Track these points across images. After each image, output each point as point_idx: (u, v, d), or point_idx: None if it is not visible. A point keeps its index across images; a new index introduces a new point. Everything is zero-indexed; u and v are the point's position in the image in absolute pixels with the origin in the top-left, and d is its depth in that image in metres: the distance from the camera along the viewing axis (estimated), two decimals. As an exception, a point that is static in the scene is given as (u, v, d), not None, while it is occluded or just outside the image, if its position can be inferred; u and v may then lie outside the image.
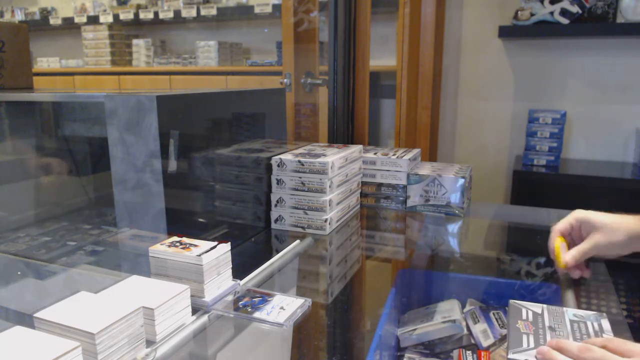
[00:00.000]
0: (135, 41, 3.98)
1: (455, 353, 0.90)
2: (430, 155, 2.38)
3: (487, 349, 0.90)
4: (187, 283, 0.72)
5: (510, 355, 0.64)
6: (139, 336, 0.61)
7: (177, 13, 3.69)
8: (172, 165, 0.90)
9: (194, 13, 3.61)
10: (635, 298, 2.12)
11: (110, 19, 3.99)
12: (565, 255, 0.84)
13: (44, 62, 4.36)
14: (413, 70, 2.09)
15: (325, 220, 1.16)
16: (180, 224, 0.94)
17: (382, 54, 2.72)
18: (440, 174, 1.33)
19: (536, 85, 2.40)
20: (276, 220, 1.21)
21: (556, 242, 0.88)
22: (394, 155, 1.39)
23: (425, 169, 1.39)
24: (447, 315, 0.95)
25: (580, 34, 2.23)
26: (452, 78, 2.56)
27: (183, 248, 0.75)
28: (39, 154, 1.33)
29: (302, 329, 0.76)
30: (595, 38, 2.27)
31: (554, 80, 2.37)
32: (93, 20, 4.07)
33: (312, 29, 1.93)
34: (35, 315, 0.58)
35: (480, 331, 0.94)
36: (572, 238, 0.90)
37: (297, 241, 1.12)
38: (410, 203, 1.36)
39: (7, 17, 4.52)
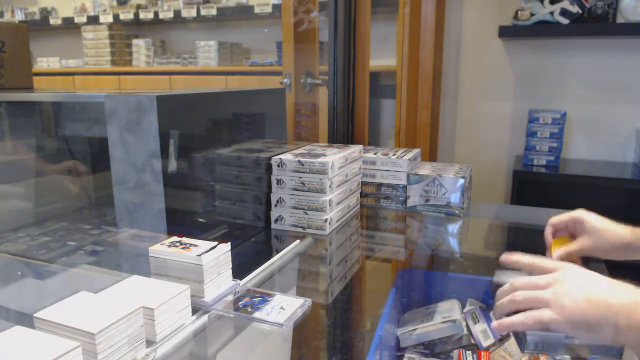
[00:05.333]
0: (135, 41, 3.97)
1: (455, 353, 0.90)
2: (430, 155, 2.38)
3: (487, 349, 0.91)
4: (187, 283, 0.72)
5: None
6: (139, 336, 0.61)
7: (177, 13, 3.68)
8: (172, 165, 0.90)
9: (194, 13, 3.61)
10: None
11: (110, 19, 3.99)
12: (553, 254, 0.89)
13: (44, 62, 4.36)
14: (413, 70, 2.09)
15: (325, 220, 1.16)
16: (180, 224, 0.94)
17: (382, 54, 2.71)
18: (440, 174, 1.33)
19: (536, 85, 2.40)
20: (276, 220, 1.21)
21: (552, 246, 0.91)
22: (394, 155, 1.39)
23: (425, 169, 1.39)
24: (447, 315, 0.95)
25: (580, 34, 2.23)
26: (452, 78, 2.56)
27: (183, 248, 0.75)
28: (40, 154, 1.33)
29: (302, 329, 0.76)
30: (595, 38, 2.27)
31: (554, 80, 2.37)
32: (93, 20, 4.07)
33: (312, 29, 1.93)
34: (35, 315, 0.58)
35: (480, 331, 0.94)
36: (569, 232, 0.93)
37: (297, 241, 1.12)
38: (410, 203, 1.36)
39: (7, 17, 4.52)
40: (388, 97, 2.89)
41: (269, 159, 1.20)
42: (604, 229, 0.84)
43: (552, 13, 2.13)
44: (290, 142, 1.41)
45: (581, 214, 0.88)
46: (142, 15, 3.85)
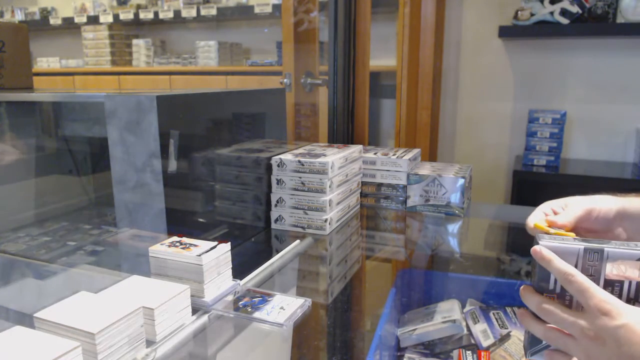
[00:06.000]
0: (135, 41, 3.97)
1: (455, 353, 0.90)
2: (430, 155, 2.38)
3: (487, 349, 0.91)
4: (187, 283, 0.72)
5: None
6: (139, 336, 0.61)
7: (177, 13, 3.68)
8: (172, 165, 0.90)
9: (194, 13, 3.61)
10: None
11: (110, 19, 3.99)
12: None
13: (44, 62, 4.36)
14: (413, 70, 2.09)
15: (325, 220, 1.16)
16: (180, 224, 0.94)
17: (382, 54, 2.71)
18: (440, 174, 1.33)
19: (536, 85, 2.40)
20: (276, 220, 1.21)
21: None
22: (394, 155, 1.39)
23: (425, 169, 1.39)
24: (447, 315, 0.95)
25: (580, 34, 2.23)
26: (452, 78, 2.55)
27: (183, 248, 0.75)
28: (39, 154, 1.33)
29: (302, 329, 0.76)
30: (595, 38, 2.27)
31: (554, 80, 2.37)
32: (93, 20, 4.07)
33: (312, 29, 1.93)
34: (35, 315, 0.58)
35: (480, 331, 0.94)
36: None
37: (297, 241, 1.12)
38: (410, 203, 1.36)
39: (7, 17, 4.52)
40: (388, 97, 2.89)
41: (269, 159, 1.20)
42: (594, 198, 0.72)
43: (552, 13, 2.13)
44: (290, 142, 1.41)
45: (573, 199, 0.75)
46: (142, 15, 3.85)
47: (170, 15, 3.71)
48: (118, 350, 0.58)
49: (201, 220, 1.03)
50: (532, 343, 0.62)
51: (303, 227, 1.18)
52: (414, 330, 0.94)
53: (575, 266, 0.58)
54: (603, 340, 0.52)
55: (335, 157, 1.18)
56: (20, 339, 0.52)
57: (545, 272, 0.59)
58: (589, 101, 2.33)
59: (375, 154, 1.41)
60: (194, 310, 0.73)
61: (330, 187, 1.16)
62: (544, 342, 0.61)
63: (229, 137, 1.11)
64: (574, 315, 0.55)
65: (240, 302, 0.77)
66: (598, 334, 0.53)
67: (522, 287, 0.62)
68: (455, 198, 1.31)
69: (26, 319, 0.63)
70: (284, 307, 0.76)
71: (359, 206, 1.39)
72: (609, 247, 0.57)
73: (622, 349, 0.51)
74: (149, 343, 0.64)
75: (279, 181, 1.19)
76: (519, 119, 2.45)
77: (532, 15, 2.17)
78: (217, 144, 1.06)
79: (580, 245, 0.58)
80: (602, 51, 2.27)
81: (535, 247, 0.59)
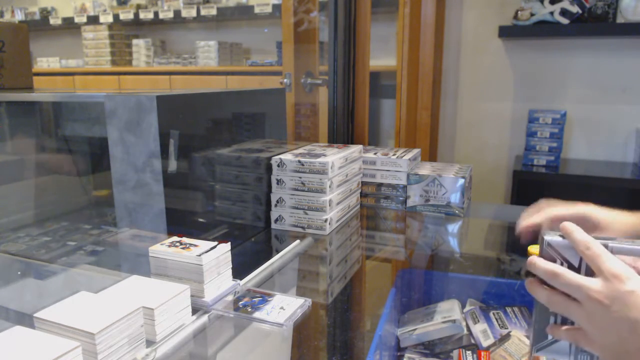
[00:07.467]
0: (135, 41, 3.97)
1: (455, 353, 0.90)
2: (430, 155, 2.38)
3: (487, 349, 0.91)
4: (187, 283, 0.72)
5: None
6: (139, 336, 0.61)
7: (177, 13, 3.68)
8: (172, 165, 0.90)
9: (194, 13, 3.61)
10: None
11: (110, 19, 3.99)
12: None
13: (44, 62, 4.36)
14: (413, 70, 2.09)
15: (325, 220, 1.16)
16: (180, 224, 0.94)
17: (382, 54, 2.71)
18: (440, 174, 1.33)
19: (536, 85, 2.40)
20: (276, 220, 1.21)
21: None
22: (394, 155, 1.39)
23: (425, 169, 1.39)
24: (447, 315, 0.95)
25: (580, 34, 2.23)
26: (452, 78, 2.55)
27: (183, 248, 0.75)
28: (39, 154, 1.33)
29: (302, 329, 0.76)
30: (595, 38, 2.27)
31: (554, 80, 2.37)
32: (93, 20, 4.07)
33: (312, 29, 1.93)
34: (35, 315, 0.58)
35: (480, 331, 0.94)
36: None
37: (297, 241, 1.12)
38: (410, 203, 1.36)
39: (7, 17, 4.52)
40: (388, 97, 2.89)
41: (269, 159, 1.20)
42: (614, 222, 0.74)
43: (552, 13, 2.13)
44: (290, 142, 1.41)
45: (588, 210, 0.77)
46: (142, 15, 3.84)
47: (170, 15, 3.71)
48: (118, 350, 0.58)
49: (201, 220, 1.03)
50: (538, 339, 0.62)
51: (303, 227, 1.18)
52: (414, 330, 0.94)
53: (580, 261, 0.58)
54: (609, 303, 0.53)
55: (335, 157, 1.18)
56: (20, 339, 0.52)
57: (550, 257, 0.59)
58: (589, 101, 2.33)
59: (375, 154, 1.41)
60: (194, 310, 0.73)
61: (330, 187, 1.16)
62: (549, 338, 0.61)
63: (229, 137, 1.11)
64: (582, 279, 0.56)
65: (240, 302, 0.77)
66: (607, 295, 0.53)
67: (531, 257, 0.62)
68: (455, 198, 1.31)
69: (26, 319, 0.63)
70: (284, 307, 0.76)
71: (359, 206, 1.39)
72: (614, 243, 0.58)
73: (631, 313, 0.52)
74: (149, 343, 0.64)
75: (279, 181, 1.19)
76: (519, 119, 2.45)
77: (532, 15, 2.17)
78: (217, 144, 1.06)
79: None
80: (602, 51, 2.27)
81: (564, 223, 0.59)
